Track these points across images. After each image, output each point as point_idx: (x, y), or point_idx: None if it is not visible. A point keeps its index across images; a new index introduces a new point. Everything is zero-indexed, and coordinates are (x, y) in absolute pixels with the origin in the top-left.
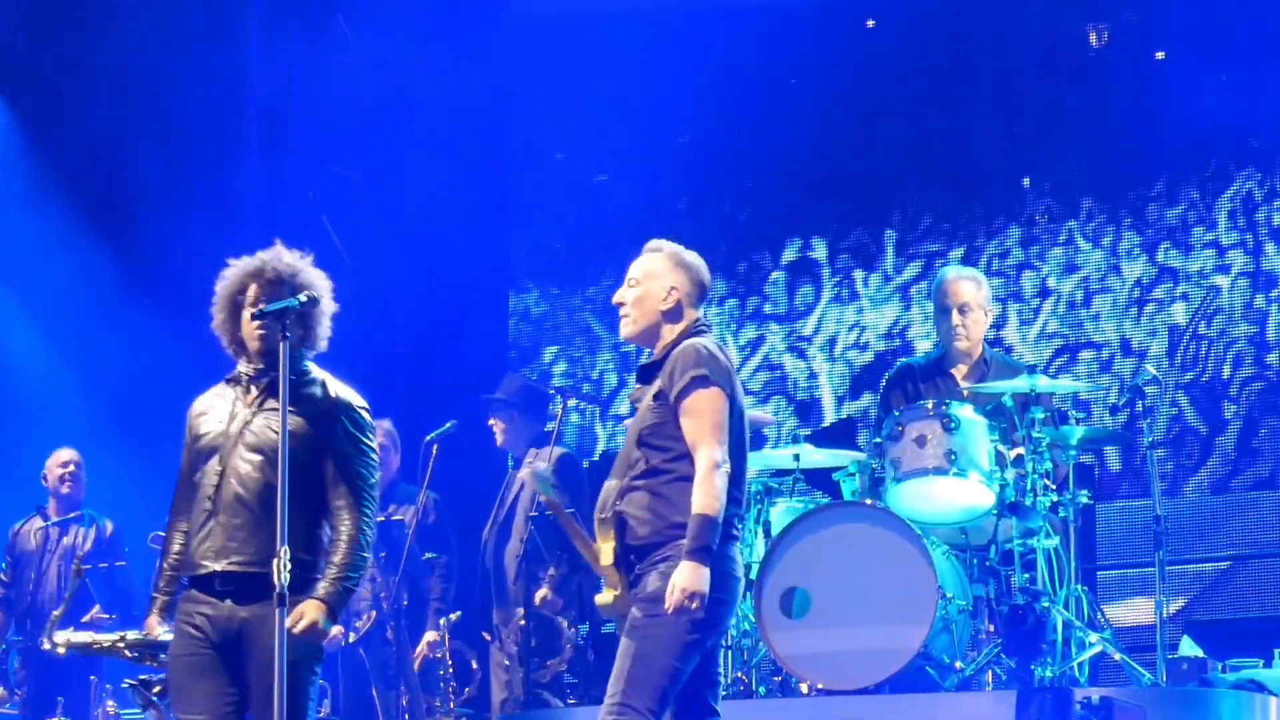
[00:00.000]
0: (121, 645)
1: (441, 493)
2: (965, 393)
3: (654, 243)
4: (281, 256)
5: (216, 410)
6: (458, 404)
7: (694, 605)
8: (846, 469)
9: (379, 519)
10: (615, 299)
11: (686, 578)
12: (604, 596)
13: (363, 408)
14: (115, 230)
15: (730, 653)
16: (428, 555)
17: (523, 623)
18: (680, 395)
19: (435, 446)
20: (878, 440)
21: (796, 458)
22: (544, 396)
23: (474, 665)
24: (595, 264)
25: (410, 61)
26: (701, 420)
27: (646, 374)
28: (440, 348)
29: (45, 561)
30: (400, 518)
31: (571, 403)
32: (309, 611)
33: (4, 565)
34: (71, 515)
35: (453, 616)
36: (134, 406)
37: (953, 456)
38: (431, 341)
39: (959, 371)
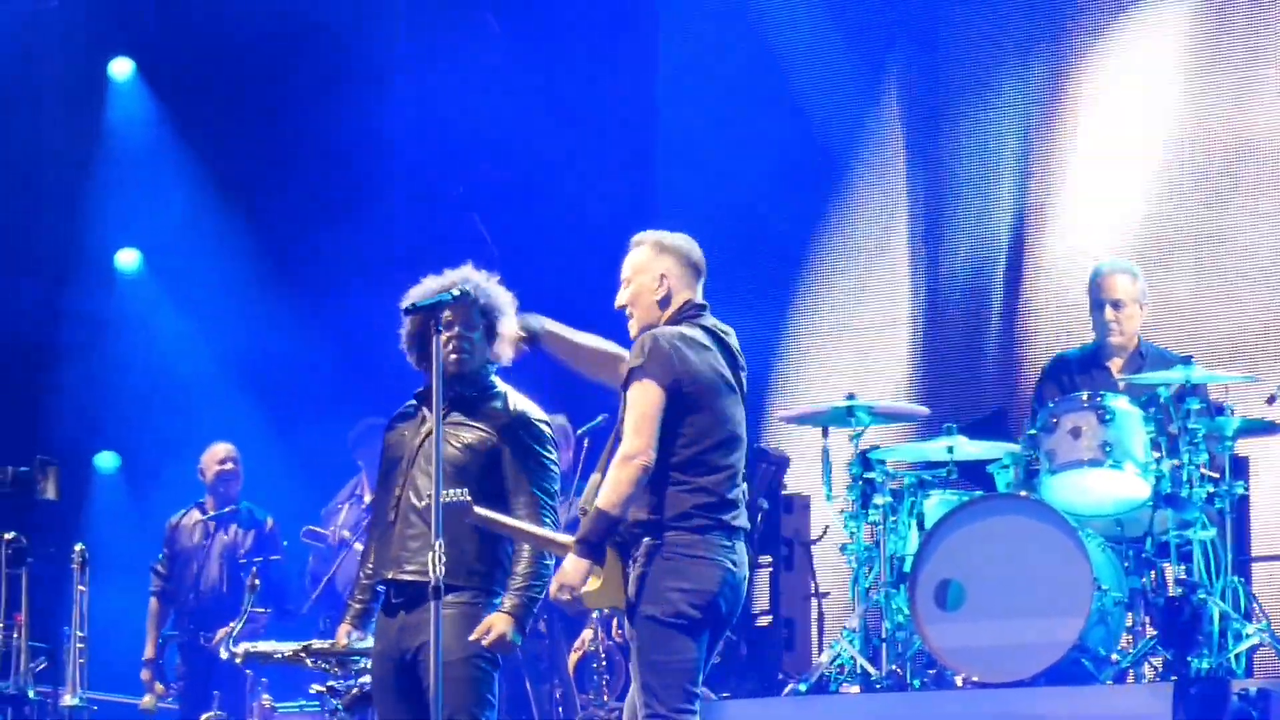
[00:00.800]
0: (303, 655)
1: None
2: (1120, 385)
3: (636, 236)
4: (471, 277)
5: (405, 425)
6: (609, 398)
7: (565, 597)
8: (1001, 461)
9: None
10: (616, 303)
11: (561, 570)
12: (586, 587)
13: (542, 420)
14: (264, 224)
15: (885, 645)
16: None
17: None
18: (623, 386)
19: (587, 440)
20: (1032, 432)
21: (950, 450)
22: None
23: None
24: (741, 258)
25: (557, 56)
26: (629, 412)
27: None
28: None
29: (204, 556)
30: None
31: None
32: (497, 624)
33: (161, 558)
34: (228, 510)
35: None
36: (283, 398)
37: (1108, 448)
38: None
39: (1114, 364)
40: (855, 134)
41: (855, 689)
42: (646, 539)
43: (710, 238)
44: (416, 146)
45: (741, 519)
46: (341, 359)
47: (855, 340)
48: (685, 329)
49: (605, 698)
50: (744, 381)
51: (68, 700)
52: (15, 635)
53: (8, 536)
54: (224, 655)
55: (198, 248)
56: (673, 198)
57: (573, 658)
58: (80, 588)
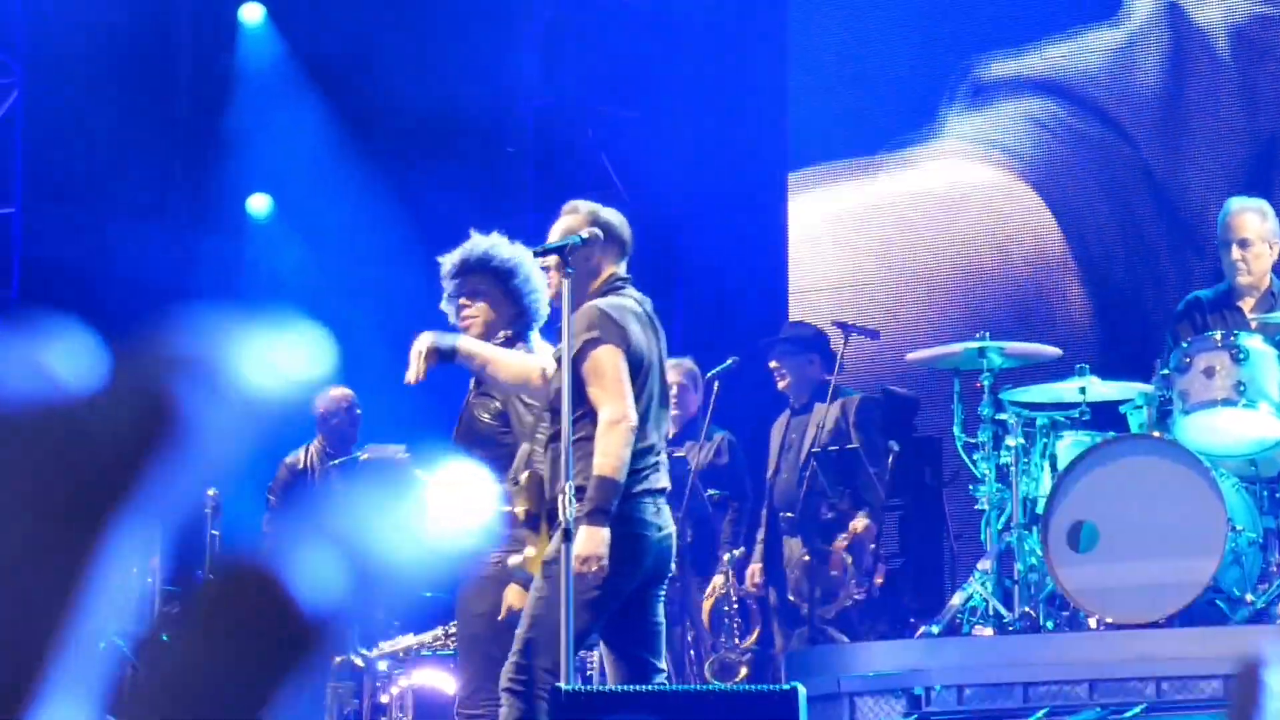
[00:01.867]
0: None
1: (734, 431)
2: (1253, 324)
3: (570, 204)
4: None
5: None
6: (739, 340)
7: (593, 569)
8: (1134, 401)
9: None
10: (540, 263)
11: (581, 543)
12: (515, 558)
13: None
14: (394, 170)
15: (1018, 587)
16: (711, 493)
17: (806, 558)
18: (577, 359)
19: (717, 384)
20: (1165, 372)
21: (1083, 390)
22: (825, 340)
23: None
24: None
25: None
26: (600, 379)
27: None
28: (720, 283)
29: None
30: (681, 454)
31: (853, 339)
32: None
33: (270, 500)
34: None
35: (735, 553)
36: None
37: (1241, 388)
38: (711, 278)
39: (1246, 304)
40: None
41: (988, 631)
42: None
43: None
44: (544, 88)
45: (665, 480)
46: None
47: None
48: (620, 299)
49: (737, 640)
50: (664, 351)
51: None
52: (149, 579)
53: None
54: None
55: (329, 193)
56: (802, 136)
57: (706, 604)
58: (213, 532)
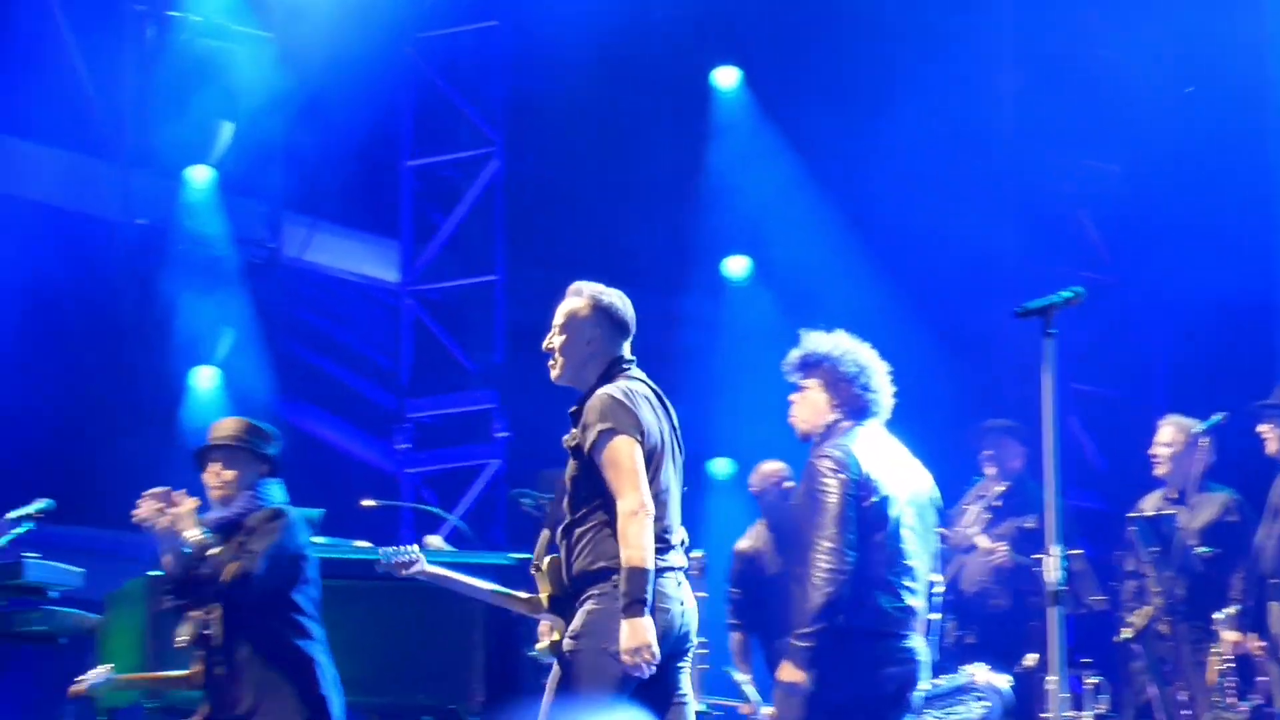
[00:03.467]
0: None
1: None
2: None
3: (575, 286)
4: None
5: None
6: (1227, 396)
7: (645, 659)
8: None
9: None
10: (544, 345)
11: (626, 637)
12: (541, 643)
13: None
14: (874, 230)
15: None
16: (1202, 550)
17: None
18: (593, 450)
19: (1207, 440)
20: None
21: None
22: None
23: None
24: None
25: (1166, 43)
26: (617, 470)
27: (575, 420)
28: (1208, 338)
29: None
30: (1171, 512)
31: None
32: None
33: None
34: None
35: (1230, 611)
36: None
37: None
38: (1200, 332)
39: None
40: None
41: None
42: (602, 583)
43: None
44: (1021, 140)
45: (683, 559)
46: (956, 359)
47: None
48: (628, 384)
49: (1231, 700)
50: (676, 430)
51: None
52: None
53: None
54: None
55: (806, 255)
56: None
57: (1214, 662)
58: (699, 594)
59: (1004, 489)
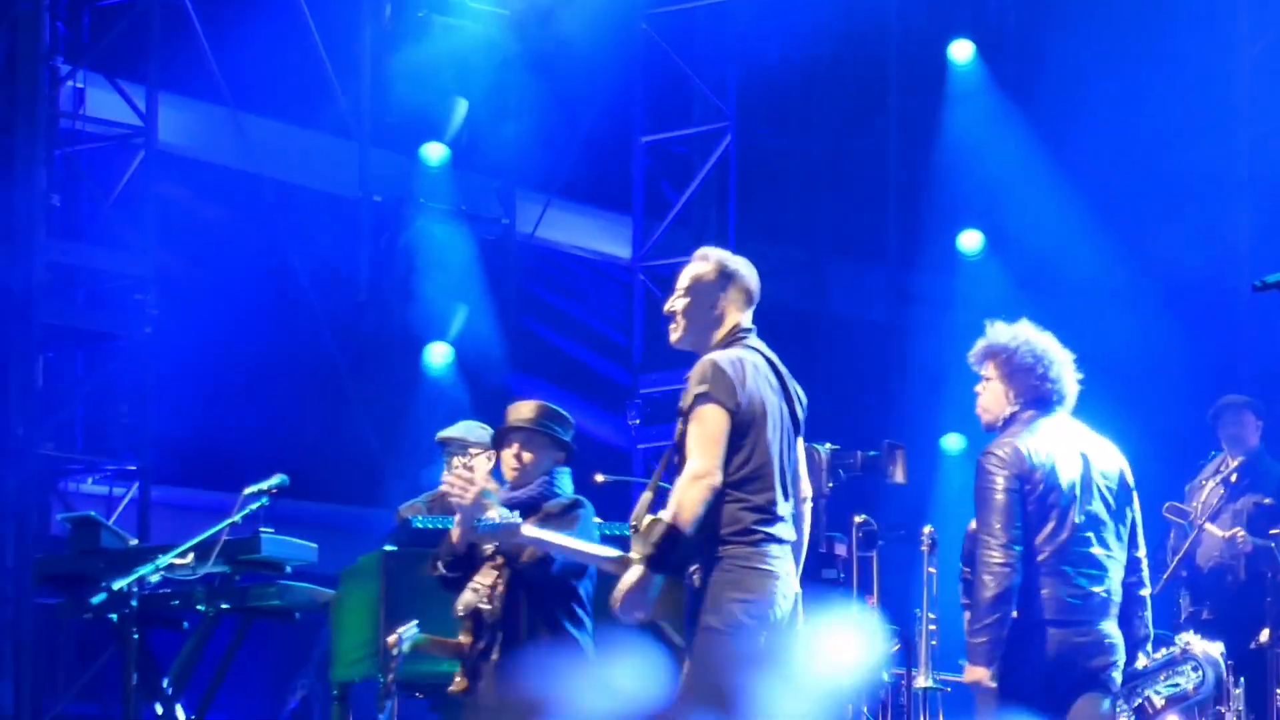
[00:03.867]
0: None
1: None
2: None
3: (701, 250)
4: None
5: None
6: None
7: (639, 615)
8: None
9: None
10: (666, 308)
11: (625, 580)
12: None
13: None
14: (1106, 208)
15: None
16: None
17: None
18: (689, 412)
19: None
20: None
21: None
22: None
23: None
24: None
25: None
26: (699, 434)
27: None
28: None
29: None
30: None
31: None
32: None
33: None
34: None
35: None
36: (1133, 379)
37: None
38: None
39: None
40: None
41: None
42: (706, 552)
43: None
44: (1258, 111)
45: (790, 532)
46: (1193, 334)
47: None
48: (742, 353)
49: None
50: (796, 400)
51: (920, 682)
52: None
53: (858, 519)
54: None
55: (1041, 230)
56: None
57: None
58: (929, 569)
59: (1240, 464)
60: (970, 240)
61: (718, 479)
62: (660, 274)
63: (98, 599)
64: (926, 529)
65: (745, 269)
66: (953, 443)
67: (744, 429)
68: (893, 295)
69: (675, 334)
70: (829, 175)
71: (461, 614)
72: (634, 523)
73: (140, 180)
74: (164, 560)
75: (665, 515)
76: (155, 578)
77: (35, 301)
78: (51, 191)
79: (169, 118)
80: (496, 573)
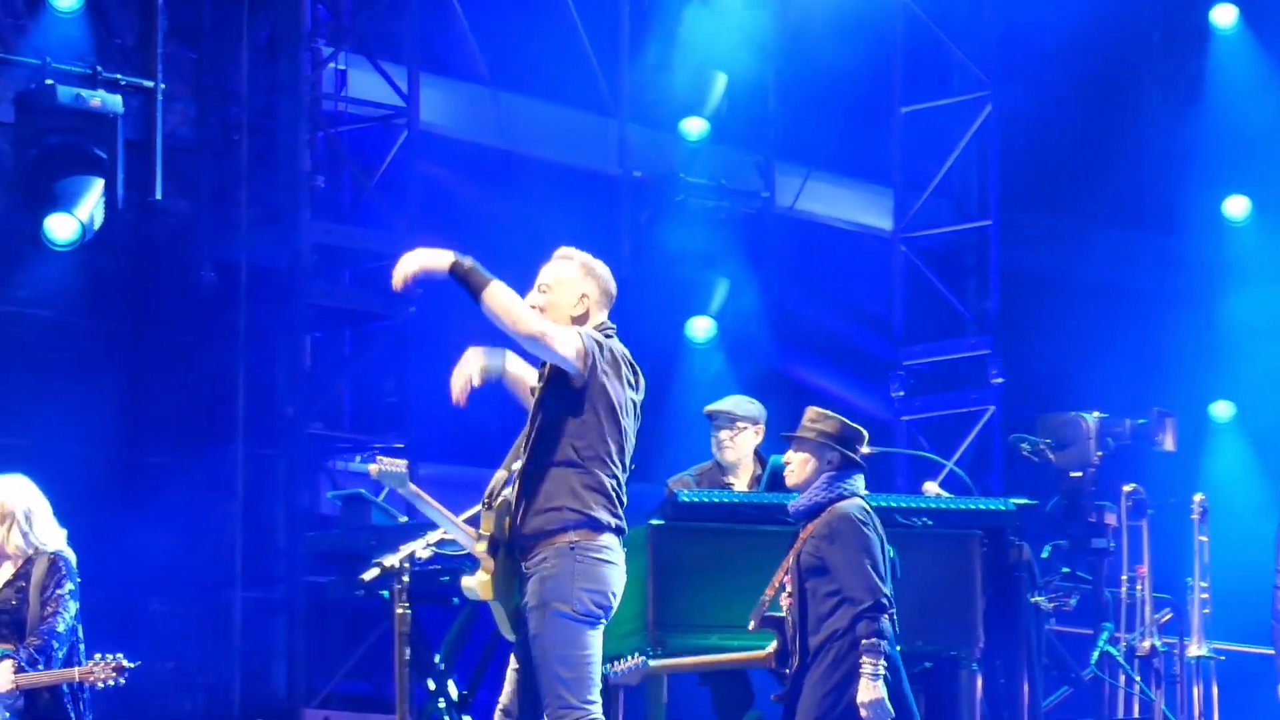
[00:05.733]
0: None
1: None
2: None
3: (564, 250)
4: None
5: None
6: None
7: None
8: None
9: None
10: (531, 301)
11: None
12: (469, 579)
13: None
14: None
15: None
16: None
17: None
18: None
19: None
20: None
21: None
22: None
23: None
24: None
25: None
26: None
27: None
28: None
29: None
30: None
31: None
32: None
33: None
34: None
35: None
36: None
37: None
38: None
39: None
40: None
41: None
42: (556, 539)
43: None
44: None
45: (624, 521)
46: None
47: None
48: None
49: None
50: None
51: (1193, 651)
52: (1139, 587)
53: (1127, 488)
54: None
55: None
56: None
57: None
58: (1201, 538)
59: None
60: (1236, 205)
61: (549, 334)
62: (921, 245)
63: (369, 575)
64: (1197, 497)
65: (606, 271)
66: (1221, 410)
67: (596, 405)
68: (1158, 262)
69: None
70: (1091, 142)
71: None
72: (486, 499)
73: (402, 160)
74: (434, 535)
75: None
76: (425, 554)
77: (301, 283)
78: (315, 173)
79: (429, 97)
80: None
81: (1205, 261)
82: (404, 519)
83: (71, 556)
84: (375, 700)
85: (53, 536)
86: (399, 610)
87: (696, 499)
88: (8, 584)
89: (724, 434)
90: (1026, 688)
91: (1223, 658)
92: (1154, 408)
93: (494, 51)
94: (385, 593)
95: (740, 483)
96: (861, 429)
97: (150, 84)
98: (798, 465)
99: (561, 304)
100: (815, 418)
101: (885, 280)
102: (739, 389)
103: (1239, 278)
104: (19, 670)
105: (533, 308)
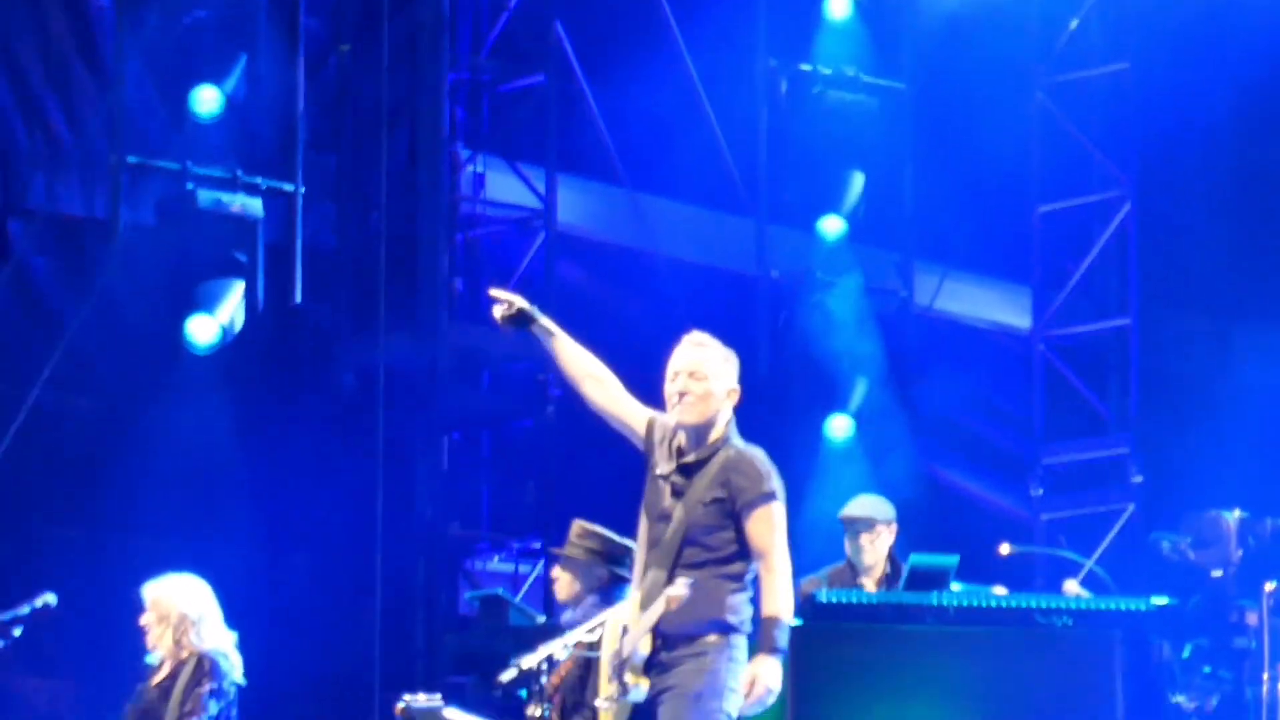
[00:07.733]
0: None
1: None
2: None
3: (698, 337)
4: None
5: None
6: None
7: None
8: None
9: None
10: (678, 389)
11: (770, 681)
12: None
13: None
14: None
15: None
16: None
17: None
18: (751, 503)
19: None
20: None
21: None
22: None
23: None
24: None
25: None
26: (776, 532)
27: (691, 470)
28: None
29: None
30: None
31: None
32: None
33: None
34: None
35: None
36: None
37: None
38: None
39: None
40: None
41: None
42: (716, 636)
43: None
44: None
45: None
46: None
47: None
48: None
49: None
50: None
51: None
52: None
53: (1269, 587)
54: None
55: None
56: None
57: None
58: None
59: None
60: None
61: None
62: (1061, 343)
63: (507, 677)
64: None
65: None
66: None
67: None
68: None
69: (688, 414)
70: (1232, 239)
71: None
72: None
73: (539, 261)
74: (572, 636)
75: (775, 611)
76: (563, 655)
77: (440, 385)
78: (453, 275)
79: (566, 199)
80: None
81: None
82: (541, 619)
83: (230, 658)
84: None
85: (217, 639)
86: (535, 712)
87: (833, 599)
88: (159, 684)
89: (864, 538)
90: None
91: None
92: None
93: (630, 152)
94: (523, 693)
95: (870, 583)
96: (630, 544)
97: (290, 188)
98: (565, 583)
99: (717, 394)
100: (581, 534)
101: (1024, 379)
102: (877, 488)
103: None
104: None
105: (683, 395)
